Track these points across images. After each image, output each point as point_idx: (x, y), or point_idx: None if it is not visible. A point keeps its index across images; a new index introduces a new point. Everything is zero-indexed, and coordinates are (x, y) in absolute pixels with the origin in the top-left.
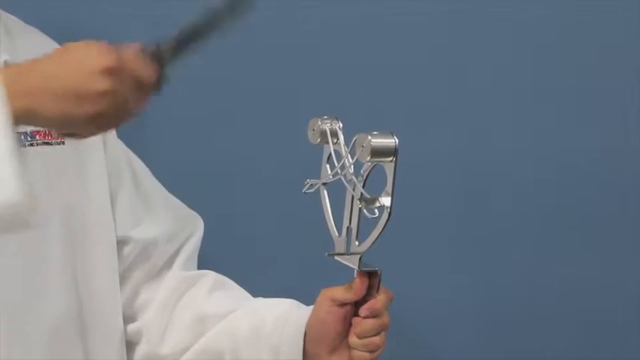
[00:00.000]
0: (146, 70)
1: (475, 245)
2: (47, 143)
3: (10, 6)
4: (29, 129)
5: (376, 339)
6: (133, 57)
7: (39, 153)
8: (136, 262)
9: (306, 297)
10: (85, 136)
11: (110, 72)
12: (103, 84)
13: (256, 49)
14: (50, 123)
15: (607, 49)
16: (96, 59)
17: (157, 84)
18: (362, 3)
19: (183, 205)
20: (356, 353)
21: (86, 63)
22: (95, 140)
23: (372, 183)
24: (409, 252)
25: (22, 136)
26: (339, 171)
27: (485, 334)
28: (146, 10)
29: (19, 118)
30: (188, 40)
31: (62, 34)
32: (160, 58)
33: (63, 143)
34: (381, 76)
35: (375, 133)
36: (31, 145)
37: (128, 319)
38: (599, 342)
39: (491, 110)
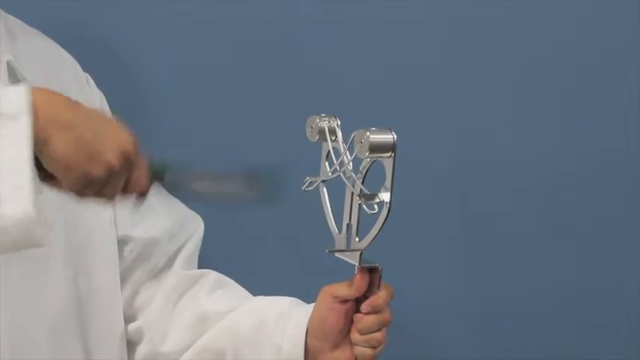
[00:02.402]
0: (143, 183)
1: (474, 246)
2: None
3: (11, 7)
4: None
5: (378, 335)
6: (143, 162)
7: None
8: (136, 262)
9: (307, 295)
10: (62, 189)
11: (124, 156)
12: (114, 159)
13: (254, 47)
14: (51, 159)
15: (607, 49)
16: (123, 140)
17: (139, 195)
18: (362, 2)
19: (184, 205)
20: (358, 349)
21: (115, 136)
22: None
23: (373, 179)
24: (408, 252)
25: None
26: (337, 168)
27: (484, 335)
28: (146, 11)
29: (35, 138)
30: (186, 181)
31: (63, 35)
32: (155, 177)
33: None
34: (381, 76)
35: (374, 129)
36: None
37: (129, 318)
38: (598, 342)
39: (490, 110)
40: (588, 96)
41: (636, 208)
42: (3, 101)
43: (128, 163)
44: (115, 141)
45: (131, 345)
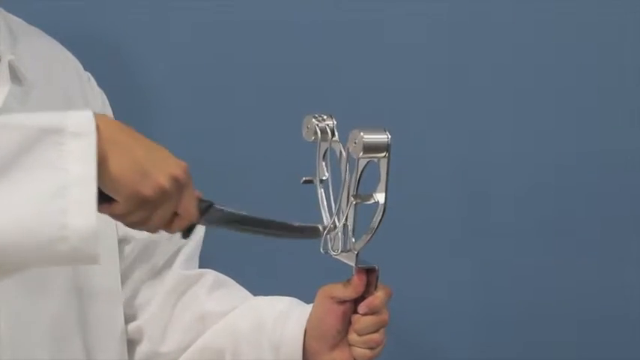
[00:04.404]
0: (192, 211)
1: (474, 247)
2: None
3: (12, 6)
4: None
5: (376, 336)
6: (193, 195)
7: None
8: (136, 261)
9: (305, 295)
10: (114, 212)
11: (176, 182)
12: (165, 182)
13: (253, 47)
14: (108, 176)
15: (607, 49)
16: (175, 166)
17: (186, 229)
18: (362, 2)
19: None
20: (356, 350)
21: (168, 161)
22: None
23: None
24: (409, 253)
25: None
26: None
27: (484, 336)
28: (147, 12)
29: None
30: (232, 222)
31: (64, 35)
32: (202, 215)
33: None
34: (381, 77)
35: (368, 128)
36: None
37: (129, 317)
38: (599, 343)
39: (491, 111)
40: (588, 96)
41: (637, 208)
42: (70, 122)
43: (179, 188)
44: (166, 164)
45: (131, 344)
